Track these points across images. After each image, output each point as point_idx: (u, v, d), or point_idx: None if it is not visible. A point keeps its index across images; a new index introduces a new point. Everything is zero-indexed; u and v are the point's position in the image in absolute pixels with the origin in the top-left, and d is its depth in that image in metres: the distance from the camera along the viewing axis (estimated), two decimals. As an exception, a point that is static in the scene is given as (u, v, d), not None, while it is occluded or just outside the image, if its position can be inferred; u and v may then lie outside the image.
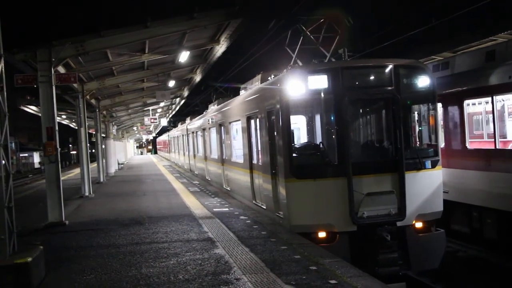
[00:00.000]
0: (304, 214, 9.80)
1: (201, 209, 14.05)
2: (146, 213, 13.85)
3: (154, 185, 23.37)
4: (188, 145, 30.39)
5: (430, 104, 10.44)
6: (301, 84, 9.76)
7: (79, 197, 19.16)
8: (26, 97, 28.21)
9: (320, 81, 9.74)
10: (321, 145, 10.08)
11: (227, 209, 13.90)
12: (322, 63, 11.44)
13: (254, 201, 13.18)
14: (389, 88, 9.88)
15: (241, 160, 14.45)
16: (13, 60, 13.01)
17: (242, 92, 15.89)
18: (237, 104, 15.29)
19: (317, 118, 10.50)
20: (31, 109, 28.89)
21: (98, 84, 21.04)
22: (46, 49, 12.86)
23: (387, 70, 9.99)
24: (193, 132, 27.18)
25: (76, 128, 21.65)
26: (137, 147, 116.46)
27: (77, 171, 28.16)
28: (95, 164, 28.01)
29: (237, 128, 15.29)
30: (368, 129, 11.03)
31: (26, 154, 73.95)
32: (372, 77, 10.16)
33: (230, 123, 16.00)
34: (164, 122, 49.57)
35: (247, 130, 13.38)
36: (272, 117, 10.74)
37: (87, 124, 21.55)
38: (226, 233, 10.38)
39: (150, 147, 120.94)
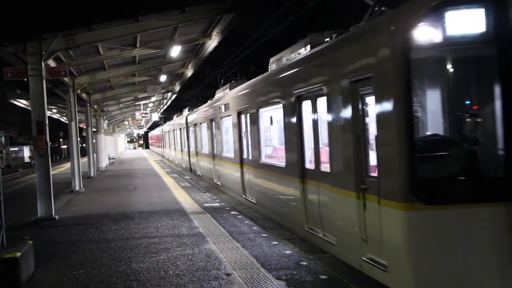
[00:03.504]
0: (442, 277, 5.34)
1: (192, 204, 14.03)
2: (137, 208, 13.82)
3: (145, 180, 23.31)
4: (188, 140, 26.52)
5: None
6: (431, 27, 5.40)
7: (70, 192, 19.09)
8: (16, 91, 28.03)
9: (471, 20, 5.35)
10: (469, 143, 5.72)
11: (218, 204, 13.90)
12: None
13: (308, 229, 8.85)
14: None
15: (280, 163, 10.55)
16: (3, 53, 12.92)
17: (272, 68, 11.73)
18: (272, 81, 10.90)
19: (461, 90, 6.07)
20: (21, 103, 28.77)
21: (89, 78, 20.98)
22: (36, 42, 12.76)
23: None
24: (195, 125, 23.08)
25: (67, 122, 21.55)
26: (128, 141, 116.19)
27: (67, 165, 28.01)
28: (85, 159, 27.88)
29: (271, 116, 11.33)
30: None
31: (16, 148, 73.42)
32: None
33: (258, 109, 11.82)
34: (155, 116, 49.58)
35: (297, 118, 9.05)
36: (365, 90, 6.39)
37: (78, 118, 21.46)
38: (217, 228, 10.36)
39: (141, 141, 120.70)
